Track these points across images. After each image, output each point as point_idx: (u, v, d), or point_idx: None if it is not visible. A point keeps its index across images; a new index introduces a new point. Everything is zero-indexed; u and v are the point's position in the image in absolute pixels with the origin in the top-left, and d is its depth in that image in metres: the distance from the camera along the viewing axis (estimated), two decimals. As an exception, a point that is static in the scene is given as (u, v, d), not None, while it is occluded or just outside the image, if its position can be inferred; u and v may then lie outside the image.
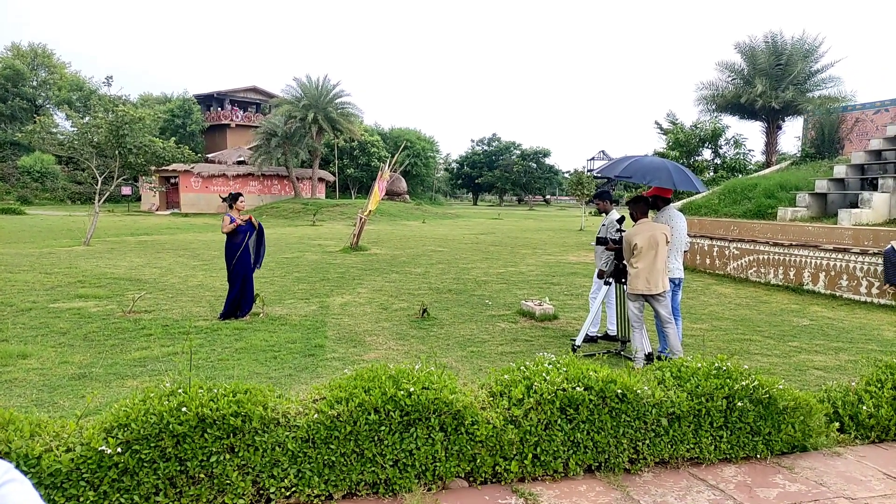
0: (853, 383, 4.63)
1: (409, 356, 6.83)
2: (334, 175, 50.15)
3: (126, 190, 39.70)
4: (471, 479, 3.54)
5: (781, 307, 10.18)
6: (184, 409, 3.03)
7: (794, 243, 11.95)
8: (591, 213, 37.89)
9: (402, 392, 3.35)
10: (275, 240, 20.68)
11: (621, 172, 6.76)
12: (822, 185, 13.82)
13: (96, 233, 19.81)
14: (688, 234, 7.20)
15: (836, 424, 4.32)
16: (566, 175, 71.84)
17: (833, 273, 11.11)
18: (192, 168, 40.16)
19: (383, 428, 3.33)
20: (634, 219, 6.64)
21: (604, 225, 7.50)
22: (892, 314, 9.59)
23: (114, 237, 20.90)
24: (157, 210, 41.36)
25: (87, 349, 6.88)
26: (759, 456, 3.95)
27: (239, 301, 8.61)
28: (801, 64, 22.40)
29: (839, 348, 7.54)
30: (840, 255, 11.00)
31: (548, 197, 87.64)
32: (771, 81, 22.27)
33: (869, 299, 10.42)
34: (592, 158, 50.92)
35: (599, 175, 8.02)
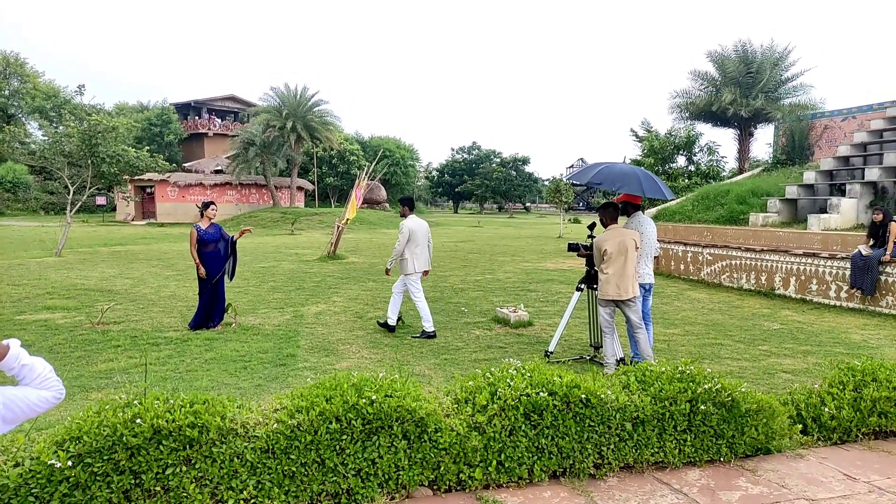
0: (816, 386, 4.69)
1: (382, 365, 6.79)
2: (313, 184, 49.91)
3: (101, 200, 39.15)
4: (435, 487, 3.51)
5: (753, 311, 10.31)
6: (138, 420, 2.97)
7: (765, 248, 12.12)
8: (569, 220, 38.11)
9: (363, 400, 3.32)
10: (251, 249, 20.50)
11: (592, 178, 6.82)
12: (792, 191, 14.06)
13: (69, 243, 19.48)
14: (661, 241, 7.27)
15: (800, 427, 4.37)
16: (545, 182, 72.22)
17: (803, 277, 11.28)
18: (169, 178, 39.76)
19: (345, 437, 3.30)
20: (605, 225, 6.68)
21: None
22: (859, 317, 9.76)
23: (86, 248, 20.57)
24: (132, 220, 40.81)
25: (53, 361, 6.61)
26: (722, 459, 3.97)
27: (210, 311, 8.50)
28: (770, 72, 22.82)
29: (808, 351, 7.65)
30: (810, 260, 11.18)
31: (528, 204, 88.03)
32: (741, 90, 22.65)
33: (838, 303, 10.60)
34: (571, 166, 51.38)
35: (572, 181, 8.08)
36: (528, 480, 3.63)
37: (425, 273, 8.48)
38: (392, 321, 8.47)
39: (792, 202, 13.84)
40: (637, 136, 23.96)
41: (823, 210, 12.84)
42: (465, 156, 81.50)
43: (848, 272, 10.37)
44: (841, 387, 4.51)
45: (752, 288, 12.28)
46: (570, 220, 40.41)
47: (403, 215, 8.51)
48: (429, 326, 8.18)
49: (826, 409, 4.37)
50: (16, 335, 7.76)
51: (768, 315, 10.00)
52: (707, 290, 12.70)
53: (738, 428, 3.99)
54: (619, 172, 6.74)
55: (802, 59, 62.14)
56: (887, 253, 9.84)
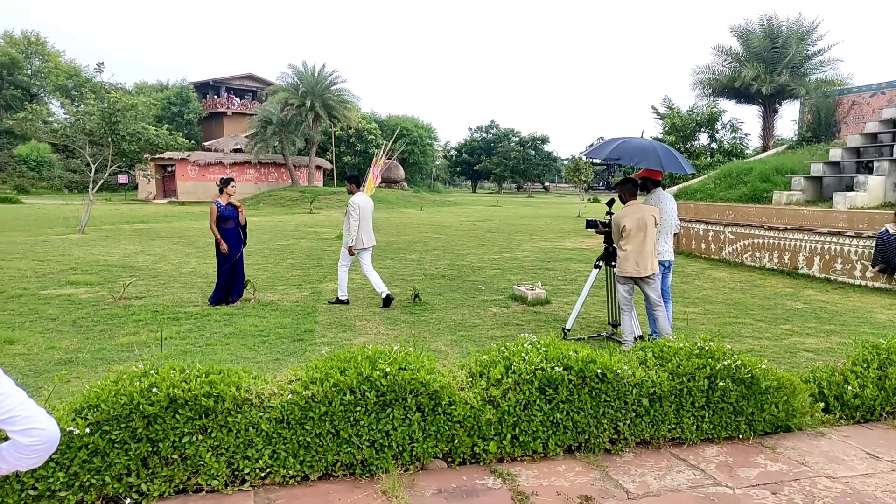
0: (839, 364, 4.60)
1: (399, 340, 6.79)
2: (331, 163, 49.96)
3: (123, 179, 39.60)
4: (449, 459, 3.51)
5: (775, 291, 10.15)
6: (154, 389, 3.00)
7: (788, 227, 11.90)
8: (589, 199, 37.78)
9: (377, 372, 3.31)
10: (271, 228, 20.62)
11: (610, 154, 6.69)
12: (817, 169, 13.75)
13: (92, 221, 19.75)
14: (682, 219, 7.16)
15: (821, 405, 4.29)
16: (565, 162, 71.59)
17: (828, 256, 11.07)
18: (189, 156, 40.04)
19: (359, 408, 3.30)
20: (623, 201, 6.58)
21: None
22: (885, 297, 9.56)
23: (109, 225, 20.84)
24: (154, 199, 41.25)
25: (76, 335, 6.85)
26: (741, 436, 3.92)
27: (229, 287, 8.57)
28: (796, 47, 22.19)
29: (831, 331, 7.52)
30: (835, 239, 10.95)
31: (547, 184, 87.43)
32: (766, 65, 22.07)
33: (863, 282, 10.39)
34: (591, 145, 50.73)
35: (590, 158, 7.96)
36: (542, 454, 3.61)
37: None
38: (385, 292, 8.70)
39: (817, 180, 13.54)
40: (658, 113, 23.55)
41: (850, 188, 12.54)
42: (484, 135, 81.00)
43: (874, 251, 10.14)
44: (865, 365, 4.42)
45: (775, 267, 12.08)
46: (589, 199, 40.04)
47: (351, 192, 8.84)
48: (385, 291, 8.65)
49: (849, 388, 4.29)
50: (40, 309, 7.93)
51: (791, 294, 9.84)
52: (728, 269, 12.53)
53: (758, 405, 3.93)
54: (637, 147, 6.60)
55: (830, 33, 60.48)
56: (916, 231, 9.59)
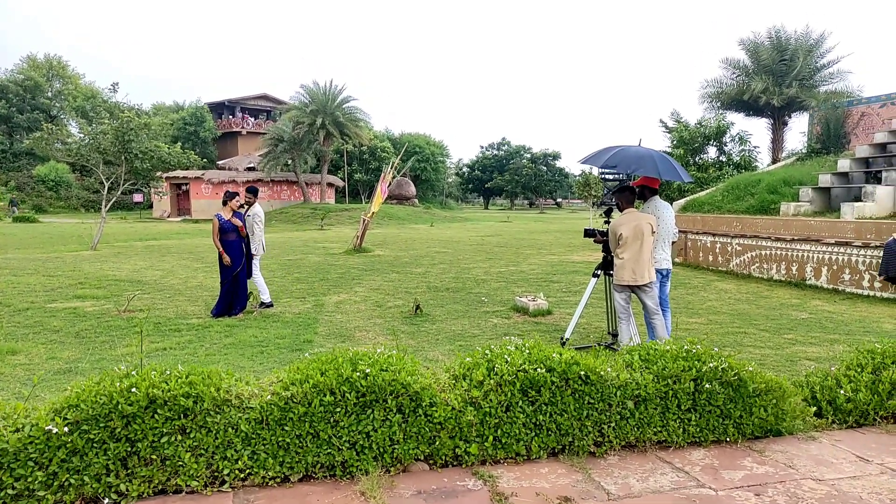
0: (833, 368, 4.53)
1: (395, 350, 6.80)
2: (343, 180, 50.33)
3: (138, 197, 40.18)
4: (431, 461, 3.50)
5: (781, 302, 10.04)
6: (134, 389, 3.03)
7: (796, 238, 11.79)
8: (599, 214, 37.65)
9: (357, 373, 3.32)
10: (280, 243, 20.77)
11: (607, 161, 6.69)
12: (825, 180, 13.63)
13: (105, 238, 20.02)
14: (689, 231, 7.12)
15: (814, 409, 4.23)
16: (577, 177, 71.59)
17: (835, 267, 10.94)
18: (203, 175, 40.55)
19: (339, 409, 3.31)
20: (620, 209, 6.57)
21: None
22: (893, 307, 9.42)
23: (122, 242, 21.11)
24: (168, 217, 41.75)
25: (78, 346, 6.93)
26: (729, 440, 3.87)
27: (232, 299, 8.64)
28: (805, 59, 22.10)
29: (835, 340, 7.42)
30: (842, 249, 10.83)
31: (559, 200, 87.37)
32: (774, 77, 21.99)
33: (871, 293, 10.25)
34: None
35: (588, 165, 7.96)
36: (525, 457, 3.59)
37: None
38: (268, 299, 9.27)
39: (825, 191, 13.42)
40: (666, 126, 23.48)
41: (858, 198, 12.41)
42: (495, 151, 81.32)
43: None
44: (859, 369, 4.36)
45: (783, 278, 11.96)
46: (600, 214, 39.92)
47: (249, 203, 9.27)
48: (267, 298, 9.21)
49: (842, 392, 4.22)
50: (45, 321, 8.03)
51: (797, 305, 9.72)
52: (735, 280, 12.42)
53: (746, 408, 3.88)
54: (634, 155, 6.60)
55: (840, 45, 60.08)
56: (923, 240, 9.47)
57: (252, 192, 9.40)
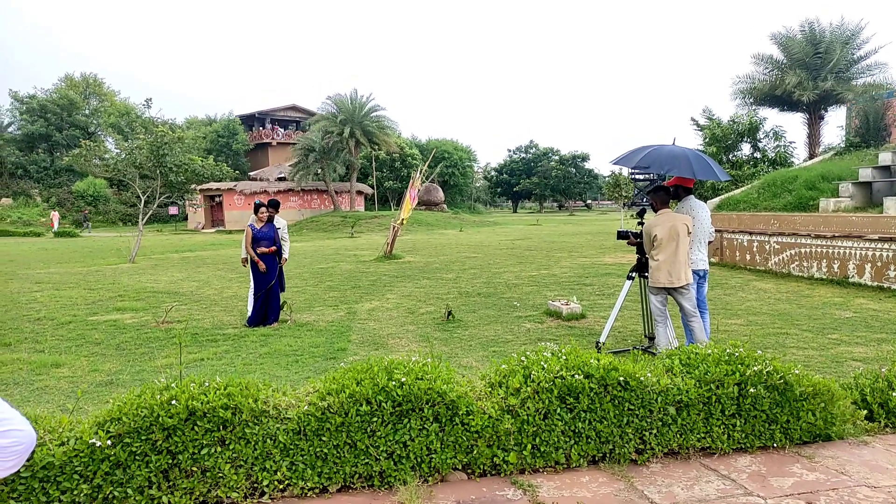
0: (883, 370, 4.37)
1: (430, 357, 6.79)
2: (372, 188, 50.69)
3: (173, 210, 41.04)
4: (469, 470, 3.47)
5: (824, 301, 9.75)
6: (174, 401, 3.06)
7: (837, 235, 11.45)
8: (630, 215, 37.14)
9: (393, 382, 3.31)
10: (311, 252, 20.98)
11: (640, 162, 6.58)
12: (866, 174, 13.23)
13: (142, 251, 20.47)
14: (725, 230, 6.97)
15: (864, 412, 4.08)
16: (606, 178, 70.92)
17: (880, 264, 10.60)
18: (235, 186, 41.22)
19: (375, 419, 3.29)
20: (655, 209, 6.46)
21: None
22: (943, 304, 9.07)
23: (158, 255, 21.55)
24: (202, 228, 42.53)
25: (118, 357, 7.07)
26: (776, 445, 3.75)
27: (265, 309, 8.73)
28: (840, 51, 21.55)
29: (882, 339, 7.17)
30: (886, 245, 10.49)
31: (589, 202, 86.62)
32: (808, 71, 21.49)
33: (919, 289, 9.89)
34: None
35: (621, 166, 7.85)
36: (565, 465, 3.53)
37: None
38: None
39: (866, 185, 13.03)
40: (698, 124, 23.08)
41: (901, 192, 12.03)
42: (523, 155, 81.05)
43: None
44: (911, 370, 4.19)
45: (824, 276, 11.62)
46: (631, 215, 39.40)
47: (271, 217, 9.20)
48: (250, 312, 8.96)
49: (894, 394, 4.06)
50: (87, 334, 8.22)
51: (840, 304, 9.44)
52: (774, 279, 12.11)
53: (793, 412, 3.76)
54: (668, 154, 6.47)
55: (876, 36, 58.51)
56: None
57: (273, 205, 9.43)
